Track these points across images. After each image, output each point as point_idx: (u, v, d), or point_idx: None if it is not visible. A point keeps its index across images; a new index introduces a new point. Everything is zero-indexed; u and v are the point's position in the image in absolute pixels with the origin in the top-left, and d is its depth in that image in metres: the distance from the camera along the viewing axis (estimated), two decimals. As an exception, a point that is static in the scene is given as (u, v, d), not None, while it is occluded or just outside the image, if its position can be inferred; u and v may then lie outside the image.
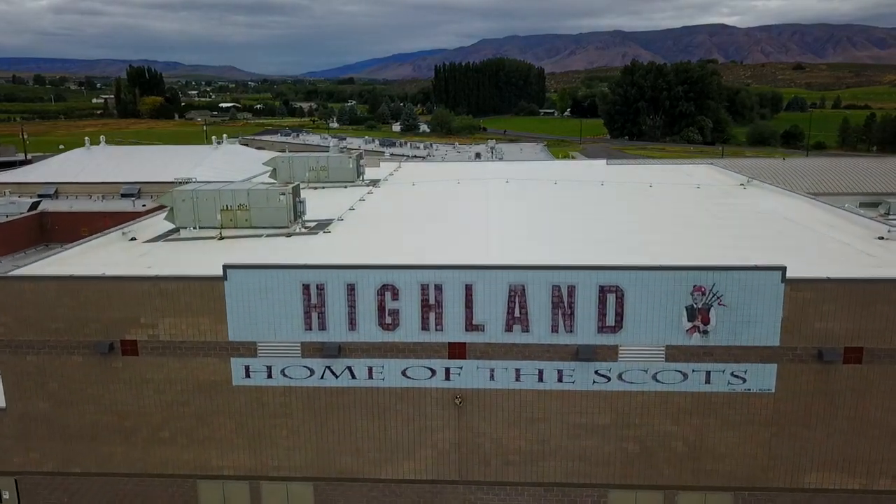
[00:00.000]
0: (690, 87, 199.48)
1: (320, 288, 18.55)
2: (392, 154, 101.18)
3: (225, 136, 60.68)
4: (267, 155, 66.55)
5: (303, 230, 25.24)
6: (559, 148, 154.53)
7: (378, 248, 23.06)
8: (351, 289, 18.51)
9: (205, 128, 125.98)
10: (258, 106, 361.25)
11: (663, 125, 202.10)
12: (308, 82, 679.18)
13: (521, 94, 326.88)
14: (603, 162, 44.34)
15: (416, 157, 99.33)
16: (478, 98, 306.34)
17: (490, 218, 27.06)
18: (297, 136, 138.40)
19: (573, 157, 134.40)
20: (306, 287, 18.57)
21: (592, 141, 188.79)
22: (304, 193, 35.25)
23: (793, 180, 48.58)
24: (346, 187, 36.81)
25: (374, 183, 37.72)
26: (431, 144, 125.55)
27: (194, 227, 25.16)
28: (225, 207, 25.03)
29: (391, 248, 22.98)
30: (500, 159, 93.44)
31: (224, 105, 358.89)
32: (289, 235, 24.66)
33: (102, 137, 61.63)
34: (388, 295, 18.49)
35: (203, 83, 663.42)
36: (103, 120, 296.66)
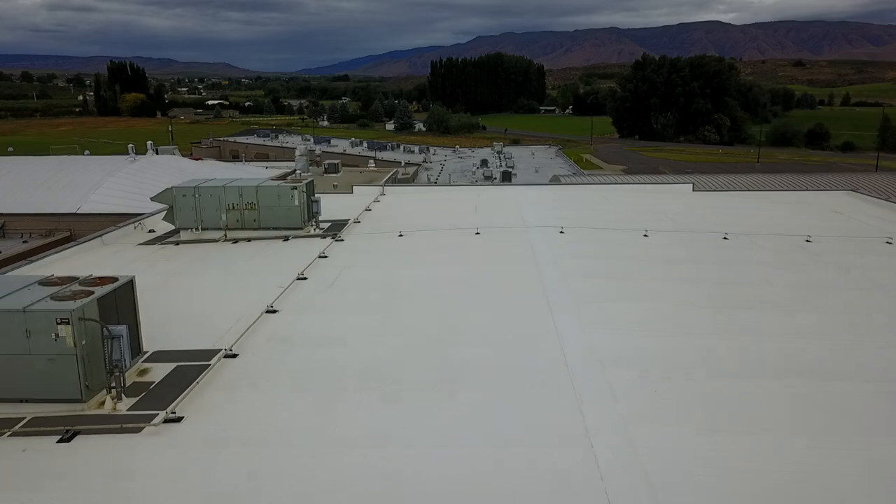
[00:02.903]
0: (706, 82, 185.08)
1: None
2: (381, 159, 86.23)
3: (150, 142, 45.71)
4: (218, 166, 51.47)
5: (118, 410, 10.18)
6: (569, 149, 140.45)
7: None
8: None
9: (170, 128, 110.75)
10: (247, 103, 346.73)
11: (676, 123, 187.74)
12: (302, 79, 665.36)
13: (521, 91, 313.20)
14: (688, 187, 29.49)
15: (410, 163, 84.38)
16: (476, 95, 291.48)
17: (573, 367, 11.00)
18: (277, 137, 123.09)
19: (588, 161, 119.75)
20: None
21: (602, 141, 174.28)
22: (208, 249, 20.26)
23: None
24: (286, 239, 21.84)
25: (336, 232, 22.62)
26: (428, 147, 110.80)
27: None
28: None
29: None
30: (511, 168, 78.63)
31: (210, 102, 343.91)
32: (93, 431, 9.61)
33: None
34: None
35: (196, 80, 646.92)
36: (80, 118, 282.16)
